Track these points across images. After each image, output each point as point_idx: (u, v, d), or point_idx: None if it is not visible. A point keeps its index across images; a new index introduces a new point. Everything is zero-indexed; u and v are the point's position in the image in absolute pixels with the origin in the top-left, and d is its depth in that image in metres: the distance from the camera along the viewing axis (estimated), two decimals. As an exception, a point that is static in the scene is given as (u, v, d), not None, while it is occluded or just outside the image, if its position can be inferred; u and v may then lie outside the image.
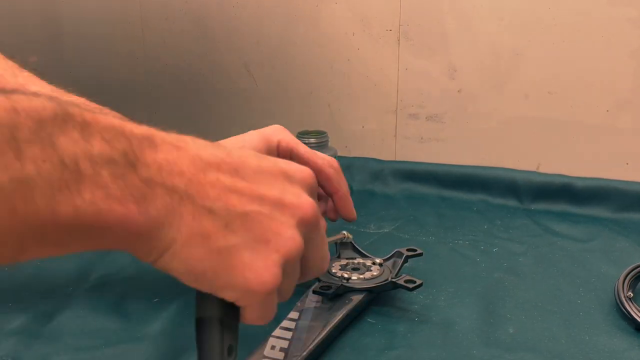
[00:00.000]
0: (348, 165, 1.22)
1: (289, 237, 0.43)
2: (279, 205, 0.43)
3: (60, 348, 0.67)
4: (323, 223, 0.49)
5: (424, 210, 1.09)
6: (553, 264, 0.88)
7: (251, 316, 0.45)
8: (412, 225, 1.02)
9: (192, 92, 1.38)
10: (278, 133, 0.78)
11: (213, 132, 1.41)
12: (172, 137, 0.41)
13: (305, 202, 0.45)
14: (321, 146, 1.11)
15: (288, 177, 0.46)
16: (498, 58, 1.13)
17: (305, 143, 1.09)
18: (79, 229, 0.36)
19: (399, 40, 1.18)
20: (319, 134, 1.12)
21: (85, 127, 0.36)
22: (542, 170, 1.14)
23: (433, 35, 1.15)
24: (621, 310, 0.74)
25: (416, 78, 1.19)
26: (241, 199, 0.42)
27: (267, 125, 1.33)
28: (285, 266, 0.43)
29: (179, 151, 0.40)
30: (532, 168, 1.15)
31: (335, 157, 1.10)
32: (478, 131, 1.18)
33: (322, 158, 0.76)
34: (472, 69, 1.15)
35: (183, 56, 1.37)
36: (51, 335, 0.70)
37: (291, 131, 1.14)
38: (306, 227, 0.45)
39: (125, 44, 1.41)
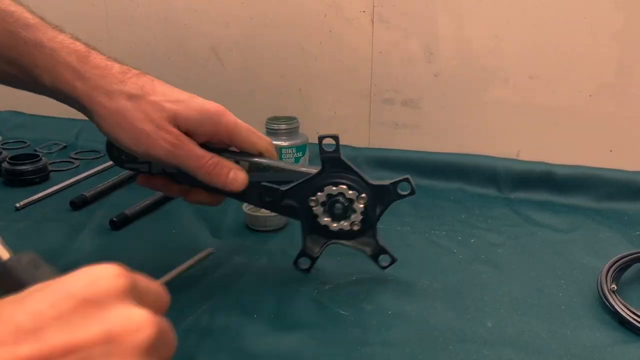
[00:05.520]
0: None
1: None
2: (109, 341, 0.34)
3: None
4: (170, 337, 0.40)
5: (398, 199, 1.06)
6: (533, 255, 0.86)
7: None
8: (386, 215, 0.97)
9: (158, 77, 1.32)
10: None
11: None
12: None
13: (140, 319, 0.36)
14: (292, 132, 1.08)
15: (98, 302, 0.36)
16: (477, 40, 1.10)
17: (275, 129, 1.07)
18: None
19: (373, 22, 1.14)
20: (290, 119, 1.09)
21: None
22: (522, 157, 1.12)
23: (409, 16, 1.12)
24: (604, 303, 0.72)
25: (391, 61, 1.16)
26: None
27: (236, 109, 1.30)
28: None
29: None
30: (512, 155, 1.12)
31: (306, 144, 1.09)
32: (455, 117, 1.15)
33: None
34: (449, 52, 1.12)
35: (148, 39, 1.32)
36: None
37: (261, 117, 1.12)
38: (154, 349, 0.37)
39: (87, 26, 1.36)
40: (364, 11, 1.14)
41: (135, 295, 0.38)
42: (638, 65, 1.03)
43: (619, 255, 0.78)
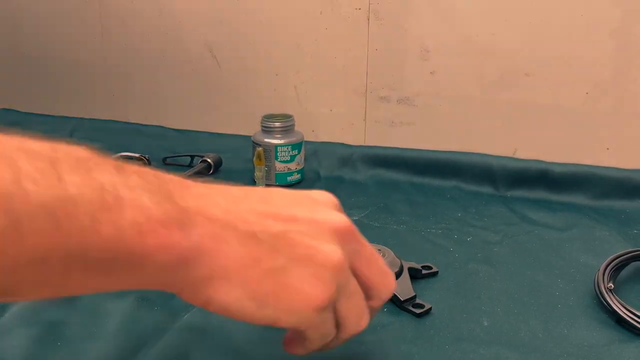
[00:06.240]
0: (315, 150, 1.19)
1: (330, 250, 0.44)
2: (312, 222, 0.44)
3: (11, 343, 0.64)
4: (362, 243, 0.48)
5: (394, 197, 1.06)
6: (530, 253, 0.86)
7: (312, 337, 0.47)
8: (382, 213, 0.99)
9: (152, 74, 1.33)
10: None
11: (173, 115, 1.38)
12: (198, 182, 0.43)
13: (336, 216, 0.46)
14: (287, 130, 1.08)
15: (313, 200, 0.47)
16: (473, 38, 1.09)
17: (270, 127, 1.07)
18: (121, 252, 0.36)
19: (368, 19, 1.14)
20: (285, 117, 1.09)
21: (120, 167, 0.38)
22: (518, 155, 1.11)
23: (404, 13, 1.11)
24: (601, 302, 0.71)
25: (387, 59, 1.15)
26: (276, 221, 0.43)
27: (231, 107, 1.30)
28: (338, 281, 0.44)
29: (209, 188, 0.43)
30: (508, 153, 1.12)
31: (301, 142, 1.08)
32: (451, 115, 1.14)
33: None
34: (445, 50, 1.11)
35: (142, 36, 1.31)
36: (1, 330, 0.66)
37: (256, 115, 1.11)
38: (344, 239, 0.46)
39: (82, 22, 1.36)
40: (359, 8, 1.13)
41: (339, 209, 0.49)
42: (635, 63, 1.02)
43: (616, 254, 0.78)
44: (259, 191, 0.46)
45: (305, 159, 1.12)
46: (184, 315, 0.69)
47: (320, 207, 0.46)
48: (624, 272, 0.78)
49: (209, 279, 0.41)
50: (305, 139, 1.11)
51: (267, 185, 0.95)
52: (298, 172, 1.09)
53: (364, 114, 1.19)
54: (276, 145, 1.06)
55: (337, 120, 1.21)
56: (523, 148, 1.11)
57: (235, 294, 0.41)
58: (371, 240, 0.79)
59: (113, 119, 1.39)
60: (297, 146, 1.08)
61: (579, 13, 1.02)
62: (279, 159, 1.07)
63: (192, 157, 1.19)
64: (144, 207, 0.36)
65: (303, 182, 1.11)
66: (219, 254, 0.40)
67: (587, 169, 1.05)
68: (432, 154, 1.13)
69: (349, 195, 1.06)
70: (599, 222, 0.96)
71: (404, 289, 0.72)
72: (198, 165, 1.14)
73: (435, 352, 0.63)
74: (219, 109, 1.30)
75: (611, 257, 0.77)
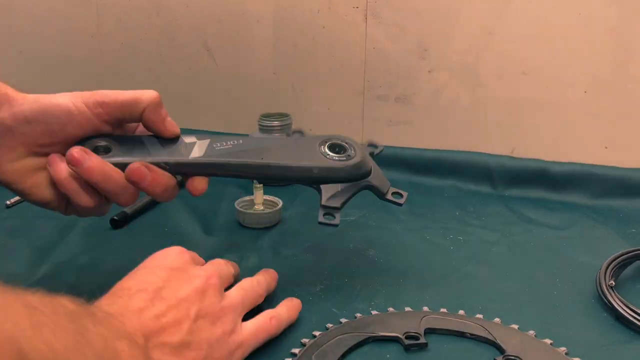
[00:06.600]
0: (313, 149, 1.18)
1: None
2: (200, 292, 0.58)
3: None
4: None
5: (392, 196, 1.05)
6: (528, 253, 0.85)
7: None
8: (379, 213, 0.99)
9: (149, 73, 1.33)
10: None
11: (170, 114, 1.37)
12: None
13: (207, 273, 0.60)
14: (285, 129, 1.08)
15: (181, 269, 0.60)
16: (470, 37, 1.09)
17: (268, 126, 1.07)
18: None
19: (366, 18, 1.13)
20: (283, 116, 1.09)
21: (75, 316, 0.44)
22: (516, 154, 1.11)
23: (402, 12, 1.11)
24: (601, 299, 0.71)
25: (384, 58, 1.14)
26: (197, 321, 0.55)
27: (228, 106, 1.29)
28: None
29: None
30: (506, 152, 1.11)
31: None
32: (449, 113, 1.14)
33: None
34: (443, 49, 1.11)
35: (139, 34, 1.31)
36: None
37: (254, 114, 1.11)
38: (223, 285, 0.62)
39: (78, 20, 1.35)
40: (357, 7, 1.13)
41: (195, 261, 0.63)
42: (633, 61, 1.02)
43: (619, 252, 0.78)
44: (165, 271, 0.58)
45: (303, 158, 1.12)
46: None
47: (187, 276, 0.59)
48: (627, 272, 0.77)
49: None
50: (303, 138, 1.11)
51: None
52: (296, 171, 1.09)
53: (362, 112, 1.19)
54: (274, 144, 1.06)
55: (335, 119, 1.21)
56: (521, 147, 1.11)
57: None
58: (370, 238, 0.80)
59: (110, 117, 1.38)
60: (294, 145, 1.08)
61: (576, 11, 1.02)
62: (276, 158, 1.06)
63: (190, 156, 1.18)
64: None
65: (301, 181, 1.11)
66: None
67: (586, 167, 1.05)
68: (429, 152, 1.13)
69: (346, 195, 1.06)
70: (598, 221, 0.96)
71: (380, 180, 0.77)
72: (195, 164, 1.14)
73: (434, 351, 0.63)
74: (217, 108, 1.29)
75: (614, 255, 0.77)
